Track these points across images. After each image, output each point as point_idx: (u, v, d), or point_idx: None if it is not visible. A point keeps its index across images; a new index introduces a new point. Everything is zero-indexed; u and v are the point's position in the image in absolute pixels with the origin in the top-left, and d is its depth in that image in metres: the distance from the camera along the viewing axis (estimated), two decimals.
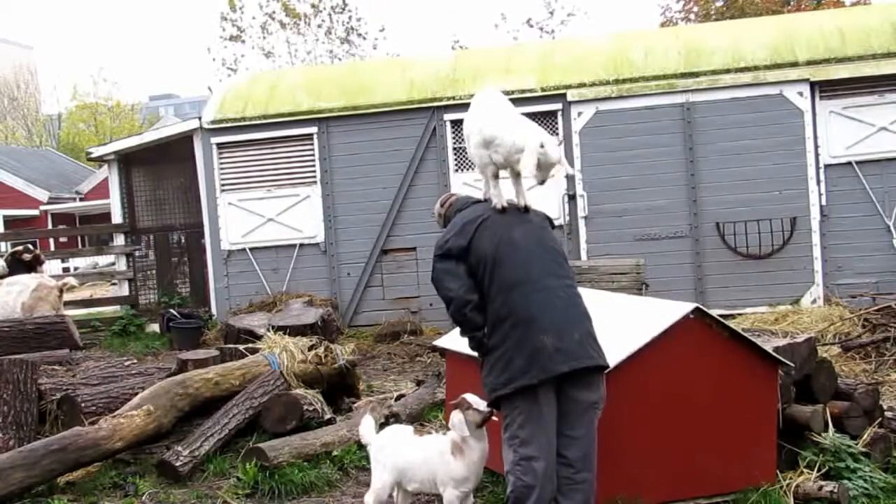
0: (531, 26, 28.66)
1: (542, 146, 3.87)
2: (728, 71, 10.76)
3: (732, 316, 9.37)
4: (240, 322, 9.95)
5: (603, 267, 9.17)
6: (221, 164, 11.92)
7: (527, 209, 4.11)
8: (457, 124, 11.18)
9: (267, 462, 5.39)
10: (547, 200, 10.66)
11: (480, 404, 4.12)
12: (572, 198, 11.04)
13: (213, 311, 11.95)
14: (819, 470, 4.66)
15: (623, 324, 4.61)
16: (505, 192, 4.16)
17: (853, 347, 7.56)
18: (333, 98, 11.73)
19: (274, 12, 29.44)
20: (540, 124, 10.77)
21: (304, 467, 5.46)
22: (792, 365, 4.83)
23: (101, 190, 24.79)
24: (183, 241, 12.77)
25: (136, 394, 6.09)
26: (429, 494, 4.67)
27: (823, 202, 10.59)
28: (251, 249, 11.82)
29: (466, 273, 3.97)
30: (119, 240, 12.87)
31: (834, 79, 10.54)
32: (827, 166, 10.59)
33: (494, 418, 4.10)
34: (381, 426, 5.83)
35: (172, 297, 12.50)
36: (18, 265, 10.60)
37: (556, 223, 10.76)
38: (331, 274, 11.65)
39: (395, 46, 48.23)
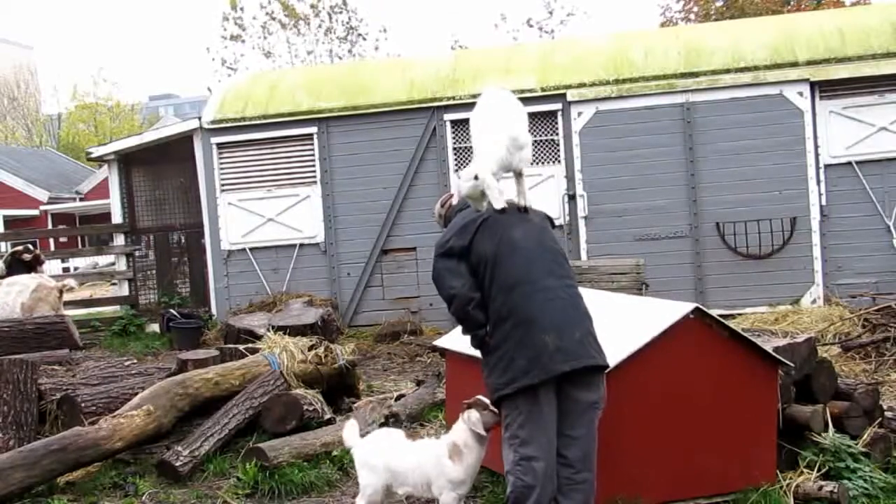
0: (531, 26, 28.68)
1: (475, 178, 3.95)
2: (728, 71, 10.76)
3: (732, 316, 9.37)
4: (240, 322, 9.95)
5: (603, 267, 9.17)
6: (221, 164, 11.92)
7: (526, 209, 4.10)
8: (457, 124, 11.19)
9: (267, 462, 5.39)
10: (547, 200, 10.70)
11: (493, 408, 4.11)
12: (572, 198, 11.05)
13: (213, 311, 11.95)
14: (819, 470, 4.66)
15: (623, 324, 4.61)
16: (505, 193, 4.15)
17: (853, 347, 7.56)
18: (333, 98, 11.73)
19: (273, 12, 29.46)
20: (540, 124, 10.91)
21: (304, 467, 5.47)
22: (792, 365, 4.83)
23: (101, 190, 24.79)
24: (183, 241, 12.77)
25: (136, 394, 6.09)
26: (420, 499, 4.64)
27: (823, 202, 10.58)
28: (251, 249, 11.82)
29: (468, 271, 3.97)
30: (119, 240, 12.87)
31: (834, 79, 10.54)
32: (827, 166, 10.59)
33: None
34: (382, 426, 5.86)
35: (172, 297, 12.50)
36: (18, 265, 10.60)
37: (556, 223, 10.78)
38: (331, 274, 11.65)
39: (396, 47, 48.22)
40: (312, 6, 29.46)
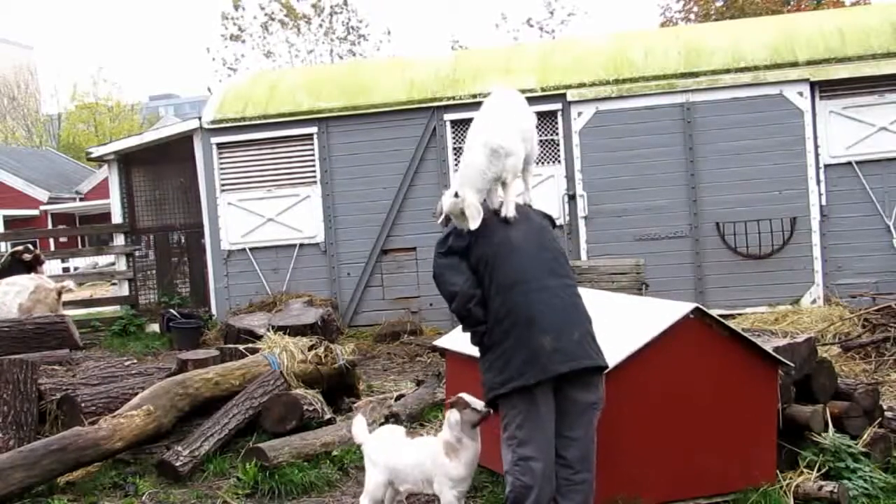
0: (531, 26, 28.72)
1: (455, 195, 3.93)
2: (728, 71, 10.76)
3: (732, 316, 9.37)
4: (240, 322, 9.95)
5: (603, 267, 9.17)
6: (221, 164, 11.92)
7: (507, 220, 4.02)
8: (457, 124, 11.19)
9: (267, 462, 5.39)
10: (547, 200, 10.69)
11: (477, 404, 4.11)
12: (572, 198, 11.05)
13: (213, 311, 11.96)
14: (819, 470, 4.66)
15: (623, 324, 4.61)
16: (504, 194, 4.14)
17: (853, 347, 7.55)
18: (333, 98, 11.73)
19: (274, 13, 29.46)
20: (540, 124, 10.89)
21: (304, 467, 5.46)
22: (792, 365, 4.83)
23: (101, 190, 24.80)
24: (183, 241, 12.77)
25: (136, 394, 6.09)
26: (427, 495, 4.66)
27: (823, 202, 10.58)
28: (251, 249, 11.82)
29: (469, 269, 3.97)
30: (119, 240, 12.87)
31: (834, 79, 10.54)
32: (827, 166, 10.59)
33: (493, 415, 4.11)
34: (381, 426, 5.85)
35: (172, 297, 12.50)
36: (18, 265, 10.58)
37: (556, 223, 10.77)
38: (331, 274, 11.65)
39: (396, 47, 48.22)
40: (314, 5, 29.47)
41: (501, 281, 3.90)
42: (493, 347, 3.91)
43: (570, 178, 11.07)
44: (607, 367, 3.99)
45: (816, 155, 10.60)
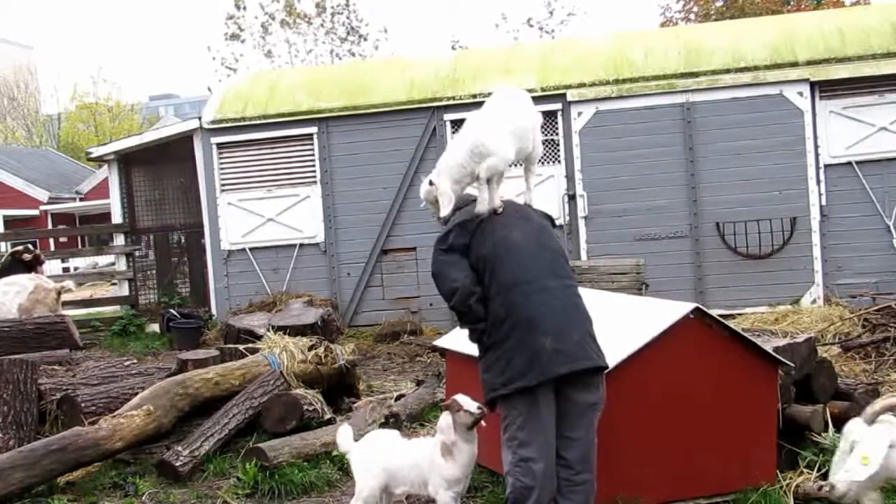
0: (531, 26, 28.71)
1: (430, 183, 4.01)
2: (728, 71, 10.76)
3: (732, 316, 9.36)
4: (240, 322, 9.95)
5: (603, 267, 9.17)
6: (221, 164, 11.92)
7: (496, 211, 4.01)
8: (457, 124, 11.17)
9: (267, 462, 5.39)
10: (547, 200, 10.69)
11: (471, 405, 4.07)
12: (572, 198, 11.05)
13: (213, 311, 11.96)
14: (819, 470, 4.65)
15: (623, 324, 4.61)
16: (503, 191, 4.13)
17: (853, 347, 7.55)
18: (333, 98, 11.73)
19: (274, 13, 29.46)
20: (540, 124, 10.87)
21: (304, 467, 5.46)
22: (792, 365, 4.83)
23: (101, 190, 24.79)
24: (183, 241, 12.77)
25: (136, 394, 6.09)
26: (422, 497, 4.64)
27: (823, 202, 10.58)
28: (251, 249, 11.82)
29: (469, 266, 3.97)
30: (119, 240, 12.87)
31: (834, 79, 10.54)
32: (827, 166, 10.59)
33: (483, 423, 4.09)
34: (381, 426, 5.86)
35: (172, 297, 12.50)
36: (18, 265, 10.58)
37: (556, 223, 10.77)
38: (331, 274, 11.65)
39: (396, 47, 48.18)
40: (318, 4, 29.47)
41: (502, 281, 3.89)
42: (493, 348, 3.89)
43: (570, 177, 11.07)
44: (607, 367, 3.98)
45: (816, 155, 10.59)
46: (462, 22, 79.04)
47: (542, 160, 11.05)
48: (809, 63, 10.58)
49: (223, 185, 11.92)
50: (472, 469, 4.25)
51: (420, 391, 7.08)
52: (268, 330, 8.41)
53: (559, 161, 11.12)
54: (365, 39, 30.04)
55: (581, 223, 11.00)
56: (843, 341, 7.74)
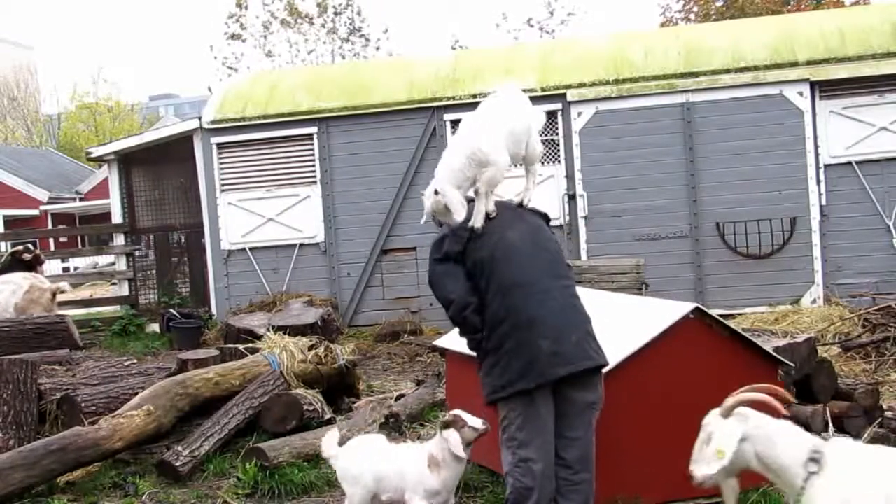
0: (531, 26, 28.70)
1: (435, 192, 3.90)
2: (728, 71, 10.76)
3: (732, 316, 9.36)
4: (240, 322, 9.94)
5: (603, 267, 9.17)
6: (221, 164, 11.92)
7: (489, 216, 3.97)
8: (457, 124, 11.12)
9: (267, 462, 5.39)
10: (547, 200, 10.70)
11: (476, 422, 4.04)
12: (572, 198, 11.05)
13: (213, 311, 11.95)
14: None
15: (623, 324, 4.61)
16: (501, 192, 4.12)
17: (853, 347, 7.56)
18: (333, 98, 11.73)
19: (275, 12, 29.46)
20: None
21: (304, 467, 5.46)
22: (792, 365, 4.83)
23: (101, 190, 24.80)
24: (183, 241, 12.77)
25: (136, 394, 6.09)
26: None
27: (823, 202, 10.58)
28: (251, 249, 11.82)
29: (465, 275, 3.96)
30: (119, 240, 12.86)
31: (834, 79, 10.53)
32: (827, 166, 10.59)
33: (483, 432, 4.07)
34: (381, 426, 5.86)
35: (172, 297, 12.50)
36: (18, 265, 10.57)
37: (557, 223, 10.79)
38: (331, 274, 11.65)
39: (396, 47, 48.20)
40: (319, 4, 29.47)
41: (499, 284, 3.88)
42: (492, 351, 3.89)
43: (570, 177, 11.07)
44: (607, 364, 3.98)
45: (816, 155, 10.59)
46: (462, 22, 79.09)
47: (543, 160, 11.04)
48: (809, 63, 10.58)
49: (223, 185, 11.92)
50: (454, 487, 4.18)
51: (420, 391, 7.08)
52: (268, 330, 8.41)
53: (559, 161, 11.12)
54: (367, 40, 30.06)
55: (581, 223, 11.00)
56: (843, 341, 7.74)
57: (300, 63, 29.43)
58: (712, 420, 3.20)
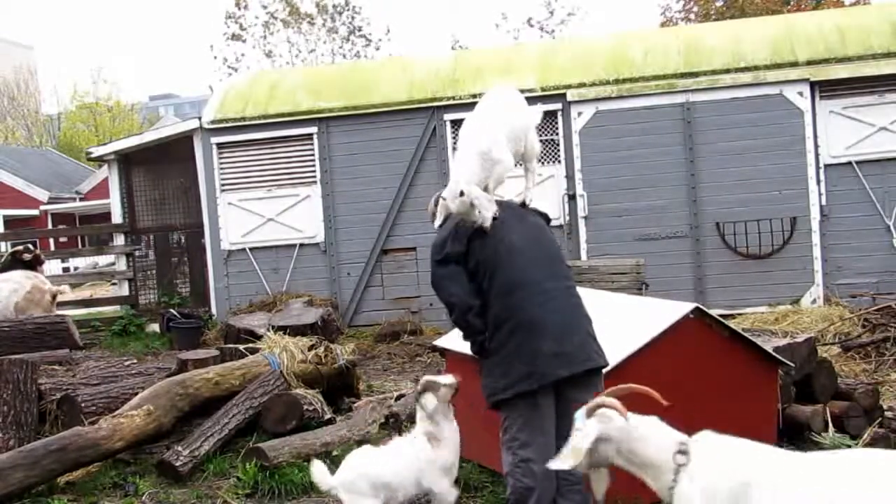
0: (531, 26, 28.74)
1: (461, 194, 3.86)
2: (728, 71, 10.76)
3: (732, 316, 9.36)
4: (240, 322, 9.95)
5: (603, 267, 9.17)
6: (221, 164, 11.92)
7: (495, 218, 3.94)
8: (457, 124, 11.17)
9: (267, 462, 5.39)
10: (547, 200, 10.69)
11: (447, 379, 4.09)
12: (572, 198, 11.05)
13: (213, 311, 11.95)
14: None
15: (623, 324, 4.61)
16: (502, 192, 4.12)
17: (853, 347, 7.55)
18: (333, 98, 11.73)
19: (276, 11, 29.46)
20: (540, 124, 10.86)
21: (304, 467, 5.44)
22: (792, 365, 4.83)
23: (101, 190, 24.79)
24: (183, 241, 12.77)
25: (136, 394, 6.10)
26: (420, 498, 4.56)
27: (823, 202, 10.58)
28: (251, 249, 11.82)
29: (467, 277, 3.96)
30: (119, 240, 12.86)
31: (834, 79, 10.53)
32: (827, 166, 10.59)
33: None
34: (381, 426, 5.86)
35: (172, 297, 12.49)
36: (18, 265, 10.56)
37: (557, 223, 10.79)
38: (331, 274, 11.65)
39: (396, 46, 48.22)
40: (318, 4, 29.46)
41: (501, 285, 3.88)
42: (493, 352, 3.89)
43: (570, 177, 11.07)
44: (607, 365, 3.98)
45: (816, 155, 10.59)
46: (462, 22, 79.09)
47: (543, 160, 11.04)
48: (809, 63, 10.58)
49: (223, 185, 11.92)
50: (458, 449, 4.18)
51: None
52: (268, 330, 8.41)
53: (559, 161, 11.12)
54: (368, 40, 30.06)
55: (581, 223, 11.00)
56: (843, 341, 7.74)
57: (300, 63, 29.45)
58: (578, 416, 3.23)
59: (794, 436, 4.92)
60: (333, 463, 5.56)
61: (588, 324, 3.95)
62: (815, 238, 10.55)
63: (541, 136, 10.92)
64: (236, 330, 9.56)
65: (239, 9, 29.40)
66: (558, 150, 11.13)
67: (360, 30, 29.94)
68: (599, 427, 3.14)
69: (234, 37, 29.74)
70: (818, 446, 4.80)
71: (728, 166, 10.70)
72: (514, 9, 60.10)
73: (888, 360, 7.25)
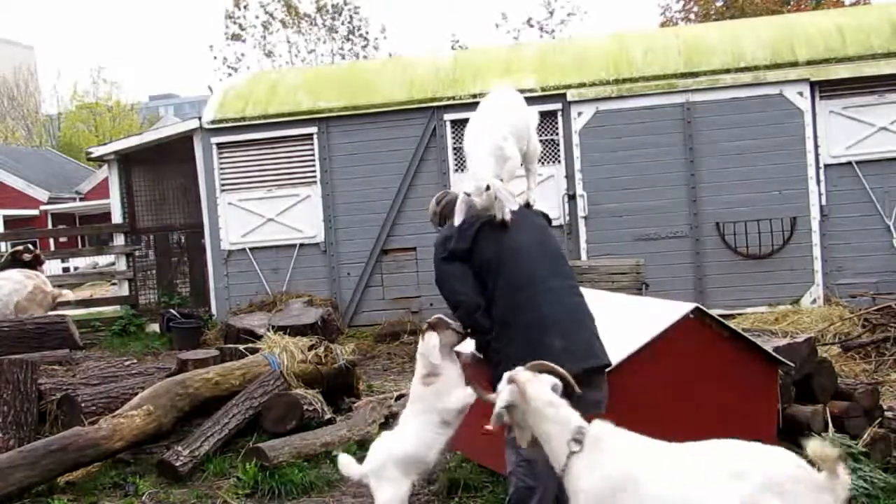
0: (531, 26, 28.71)
1: (487, 188, 3.85)
2: (728, 71, 10.76)
3: (732, 316, 9.36)
4: (240, 322, 9.95)
5: (603, 267, 9.17)
6: (221, 164, 11.92)
7: (504, 223, 3.95)
8: (457, 124, 11.18)
9: (267, 462, 5.39)
10: (547, 200, 10.70)
11: (457, 324, 3.98)
12: (572, 198, 11.05)
13: (213, 311, 11.95)
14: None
15: (623, 324, 4.60)
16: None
17: (853, 347, 7.55)
18: (333, 98, 11.73)
19: (276, 11, 29.46)
20: (540, 124, 10.85)
21: (304, 467, 5.47)
22: (792, 365, 4.83)
23: (101, 190, 24.77)
24: (183, 241, 12.77)
25: (136, 394, 6.10)
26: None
27: (823, 202, 10.58)
28: (251, 249, 11.81)
29: (472, 275, 3.96)
30: (119, 240, 12.86)
31: (834, 79, 10.53)
32: (827, 166, 10.59)
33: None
34: (381, 426, 5.86)
35: (172, 297, 12.49)
36: (18, 265, 10.54)
37: (557, 223, 10.79)
38: (331, 274, 11.65)
39: (396, 46, 48.24)
40: (318, 5, 29.45)
41: (507, 284, 3.88)
42: (500, 350, 3.89)
43: (570, 177, 11.07)
44: (610, 364, 3.99)
45: (816, 155, 10.59)
46: (462, 22, 79.10)
47: (543, 160, 11.04)
48: (809, 63, 10.58)
49: (223, 185, 11.92)
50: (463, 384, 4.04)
51: None
52: (268, 330, 8.41)
53: (559, 161, 11.12)
54: (368, 41, 30.06)
55: (581, 223, 11.00)
56: (843, 341, 7.74)
57: (300, 63, 29.44)
58: (502, 380, 3.43)
59: (795, 436, 4.91)
60: (333, 463, 5.58)
61: (592, 322, 3.97)
62: (815, 238, 10.55)
63: (541, 136, 10.96)
64: (236, 330, 9.56)
65: (238, 9, 29.39)
66: (558, 150, 11.13)
67: (358, 30, 29.94)
68: (508, 395, 3.34)
69: (234, 37, 29.74)
70: None
71: (728, 166, 10.71)
72: (514, 9, 60.15)
73: (888, 360, 7.25)
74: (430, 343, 3.99)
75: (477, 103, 4.36)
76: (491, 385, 4.00)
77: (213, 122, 11.88)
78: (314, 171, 11.72)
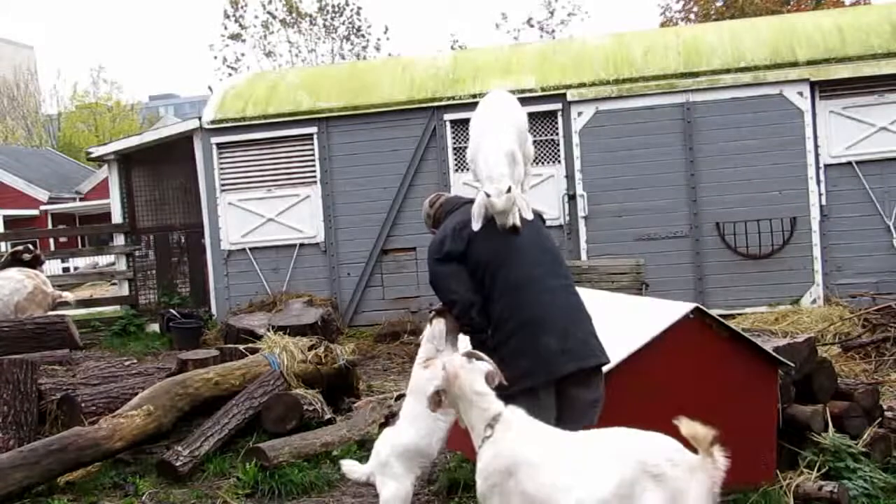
0: (531, 26, 28.74)
1: (509, 190, 3.85)
2: (728, 71, 10.76)
3: (732, 316, 9.36)
4: (240, 322, 9.95)
5: (603, 267, 9.17)
6: (221, 164, 11.92)
7: (515, 228, 3.96)
8: (457, 124, 11.19)
9: (267, 462, 5.39)
10: (547, 200, 10.71)
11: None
12: (572, 198, 11.05)
13: (213, 311, 11.95)
14: (819, 470, 4.65)
15: (623, 324, 4.61)
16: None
17: (853, 347, 7.56)
18: (333, 98, 11.73)
19: (274, 12, 29.44)
20: (540, 124, 10.90)
21: (304, 467, 5.47)
22: (792, 365, 4.82)
23: (101, 190, 24.77)
24: (183, 241, 12.76)
25: (136, 394, 6.10)
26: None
27: (823, 202, 10.58)
28: (251, 249, 11.81)
29: (468, 275, 3.96)
30: (119, 240, 12.86)
31: (834, 79, 10.53)
32: (827, 166, 10.59)
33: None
34: (381, 426, 5.86)
35: (172, 297, 12.49)
36: (18, 265, 10.54)
37: (557, 223, 10.80)
38: (331, 274, 11.65)
39: (396, 46, 48.24)
40: (319, 4, 29.46)
41: (504, 283, 3.89)
42: (497, 349, 3.89)
43: (570, 177, 11.07)
44: (609, 362, 3.99)
45: (816, 155, 10.59)
46: (462, 22, 79.09)
47: (543, 160, 11.05)
48: (809, 63, 10.58)
49: (223, 185, 11.92)
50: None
51: None
52: (268, 330, 8.41)
53: (559, 161, 11.12)
54: (368, 41, 30.07)
55: (581, 223, 11.00)
56: (843, 341, 7.74)
57: (300, 63, 29.44)
58: (438, 366, 3.72)
59: (794, 436, 4.91)
60: (333, 463, 5.58)
61: (589, 321, 3.97)
62: (815, 238, 10.55)
63: (541, 136, 10.98)
64: (236, 330, 9.56)
65: (235, 9, 29.38)
66: (558, 150, 11.13)
67: (359, 30, 29.94)
68: (437, 381, 3.61)
69: (234, 37, 29.73)
70: (818, 446, 4.80)
71: (728, 166, 10.71)
72: (514, 9, 60.17)
73: (888, 360, 7.26)
74: (437, 329, 4.04)
75: (476, 103, 4.35)
76: None
77: (213, 122, 11.88)
78: (314, 171, 11.72)
